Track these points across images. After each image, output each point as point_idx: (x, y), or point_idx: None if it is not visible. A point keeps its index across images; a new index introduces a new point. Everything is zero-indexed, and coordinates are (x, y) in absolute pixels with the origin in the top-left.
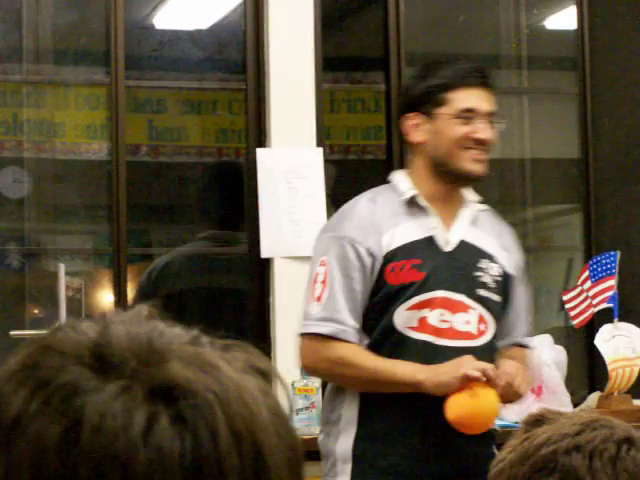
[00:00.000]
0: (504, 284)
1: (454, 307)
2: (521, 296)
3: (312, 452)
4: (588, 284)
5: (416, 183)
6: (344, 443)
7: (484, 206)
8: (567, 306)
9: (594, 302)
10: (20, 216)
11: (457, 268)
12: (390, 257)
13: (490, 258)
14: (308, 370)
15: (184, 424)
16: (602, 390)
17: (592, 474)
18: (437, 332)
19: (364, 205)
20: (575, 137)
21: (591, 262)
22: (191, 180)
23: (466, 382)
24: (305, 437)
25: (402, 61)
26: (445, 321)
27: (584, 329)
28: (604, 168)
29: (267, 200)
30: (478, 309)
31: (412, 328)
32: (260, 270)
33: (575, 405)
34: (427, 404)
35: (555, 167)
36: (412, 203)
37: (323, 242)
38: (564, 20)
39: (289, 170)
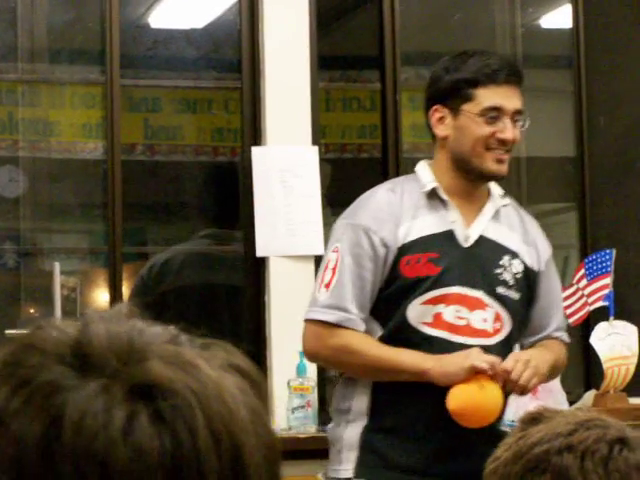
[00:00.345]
0: (526, 281)
1: (471, 304)
2: (550, 290)
3: (309, 450)
4: (584, 282)
5: (438, 176)
6: (352, 431)
7: (507, 200)
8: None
9: (590, 300)
10: (15, 215)
11: (476, 264)
12: (406, 249)
13: (512, 254)
14: (310, 356)
15: (163, 423)
16: (598, 388)
17: (584, 474)
18: (452, 329)
19: (383, 194)
20: (571, 135)
21: (587, 260)
22: (187, 179)
23: (472, 374)
24: (301, 435)
25: (397, 60)
26: (461, 318)
27: (580, 327)
28: (599, 166)
29: (262, 199)
30: (495, 307)
31: (426, 324)
32: (256, 269)
33: (571, 403)
34: (440, 401)
35: (551, 165)
36: (433, 196)
37: (338, 229)
38: (559, 19)
39: (284, 169)
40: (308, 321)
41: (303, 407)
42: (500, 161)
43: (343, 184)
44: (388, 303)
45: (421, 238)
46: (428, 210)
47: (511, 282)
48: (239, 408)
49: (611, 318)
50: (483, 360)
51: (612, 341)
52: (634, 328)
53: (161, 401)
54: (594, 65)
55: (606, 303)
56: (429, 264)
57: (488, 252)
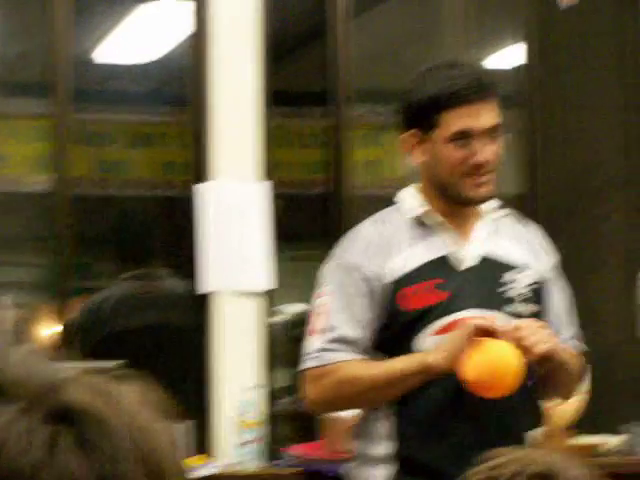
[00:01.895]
0: (538, 292)
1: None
2: (560, 298)
3: None
4: None
5: (427, 198)
6: (381, 472)
7: (505, 211)
8: None
9: None
10: None
11: (480, 285)
12: (403, 281)
13: (518, 268)
14: (315, 405)
15: (87, 446)
16: (544, 426)
17: None
18: None
19: (368, 229)
20: (521, 173)
21: None
22: (137, 213)
23: (476, 342)
24: (249, 471)
25: (348, 96)
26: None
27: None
28: (549, 204)
29: (212, 234)
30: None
31: None
32: (204, 304)
33: None
34: (472, 432)
35: (503, 203)
36: (422, 221)
37: (326, 272)
38: (508, 57)
39: (234, 204)
40: (303, 371)
41: (250, 443)
42: (479, 185)
43: (293, 219)
44: (394, 342)
45: (421, 266)
46: (421, 237)
47: (523, 297)
48: (159, 435)
49: None
50: (474, 323)
51: None
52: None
53: (83, 425)
54: (545, 103)
55: None
56: (436, 291)
57: (489, 271)
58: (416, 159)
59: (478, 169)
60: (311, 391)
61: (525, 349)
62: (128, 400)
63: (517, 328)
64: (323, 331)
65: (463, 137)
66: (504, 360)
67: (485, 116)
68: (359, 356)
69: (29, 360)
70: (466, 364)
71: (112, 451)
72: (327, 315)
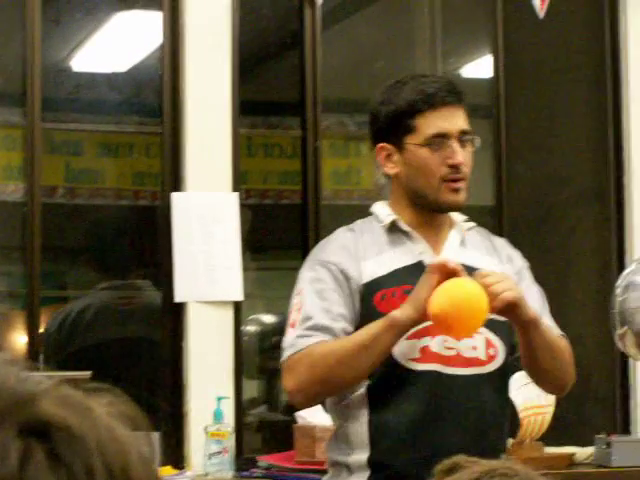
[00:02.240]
0: None
1: None
2: (534, 298)
3: None
4: None
5: (397, 211)
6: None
7: (471, 224)
8: None
9: None
10: None
11: None
12: (378, 285)
13: None
14: (296, 395)
15: (60, 461)
16: (514, 437)
17: None
18: (443, 360)
19: (341, 234)
20: (489, 185)
21: None
22: (107, 223)
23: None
24: None
25: (318, 107)
26: (450, 348)
27: None
28: (517, 216)
29: (182, 244)
30: (484, 333)
31: (415, 360)
32: (174, 315)
33: None
34: (445, 445)
35: (469, 214)
36: (395, 230)
37: (300, 275)
38: (480, 69)
39: (204, 215)
40: (281, 366)
41: (220, 453)
42: (456, 191)
43: (263, 230)
44: None
45: (393, 271)
46: (393, 245)
47: None
48: (131, 449)
49: None
50: (437, 262)
51: (528, 391)
52: None
53: (56, 439)
54: (513, 115)
55: None
56: (405, 296)
57: None
58: (388, 171)
59: (455, 171)
60: (289, 381)
61: (491, 295)
62: (101, 414)
63: (482, 275)
64: (299, 322)
65: (439, 140)
66: (470, 295)
67: (457, 119)
68: (333, 335)
69: (2, 370)
70: (432, 300)
71: (85, 467)
72: (303, 309)
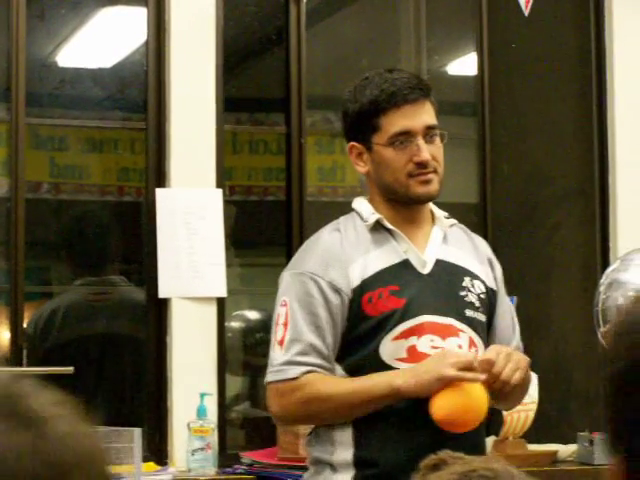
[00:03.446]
0: (488, 301)
1: (443, 332)
2: (506, 310)
3: None
4: None
5: (376, 207)
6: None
7: (452, 221)
8: None
9: None
10: None
11: (440, 290)
12: (365, 287)
13: (471, 275)
14: (280, 418)
15: (38, 450)
16: (497, 435)
17: None
18: None
19: (327, 236)
20: (474, 182)
21: None
22: (91, 218)
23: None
24: (201, 478)
25: (303, 103)
26: (437, 347)
27: None
28: (502, 214)
29: (166, 240)
30: (468, 332)
31: (401, 360)
32: (158, 311)
33: None
34: (428, 441)
35: (453, 211)
36: (379, 228)
37: (284, 281)
38: (465, 66)
39: (188, 211)
40: (268, 384)
41: (203, 449)
42: (425, 182)
43: (248, 226)
44: (358, 345)
45: (378, 272)
46: (378, 243)
47: (477, 304)
48: (94, 441)
49: None
50: (455, 363)
51: None
52: (533, 376)
53: (38, 430)
54: (498, 113)
55: None
56: (392, 297)
57: (448, 275)
58: (361, 170)
59: (422, 167)
60: (276, 405)
61: (503, 382)
62: (64, 408)
63: (489, 362)
64: (288, 342)
65: (403, 138)
66: (474, 404)
67: (422, 115)
68: (325, 366)
69: None
70: (437, 401)
71: (63, 460)
72: (291, 326)
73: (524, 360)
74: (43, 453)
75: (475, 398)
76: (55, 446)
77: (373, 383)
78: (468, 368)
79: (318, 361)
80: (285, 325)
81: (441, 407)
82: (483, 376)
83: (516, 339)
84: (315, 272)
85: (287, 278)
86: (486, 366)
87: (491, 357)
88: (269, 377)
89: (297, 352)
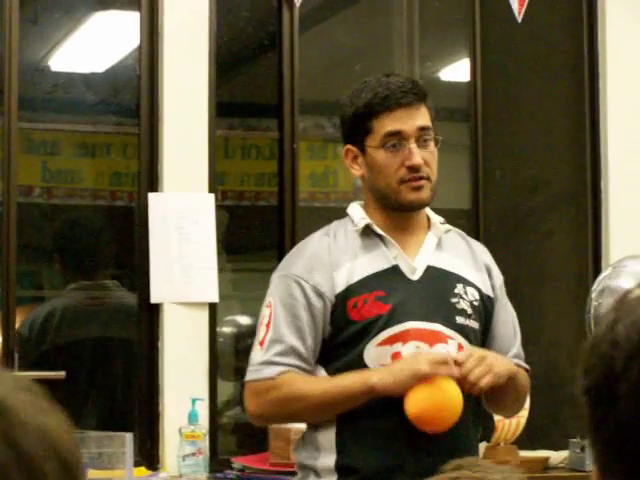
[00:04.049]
0: (483, 309)
1: (430, 338)
2: (506, 318)
3: None
4: None
5: (369, 214)
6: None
7: (448, 226)
8: None
9: None
10: None
11: (429, 296)
12: (350, 292)
13: (464, 282)
14: (257, 418)
15: (8, 441)
16: (489, 441)
17: None
18: None
19: (316, 241)
20: (466, 188)
21: None
22: (84, 223)
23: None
24: None
25: (296, 109)
26: None
27: None
28: (494, 220)
29: (158, 245)
30: (457, 338)
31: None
32: (150, 316)
33: None
34: (412, 444)
35: (445, 218)
36: (369, 233)
37: (272, 282)
38: (458, 72)
39: (181, 215)
40: (246, 383)
41: (194, 454)
42: (417, 189)
43: (240, 231)
44: (343, 350)
45: (365, 278)
46: (367, 249)
47: (469, 311)
48: (70, 437)
49: None
50: (431, 360)
51: None
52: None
53: (6, 420)
54: (491, 119)
55: None
56: (377, 303)
57: (439, 282)
58: (356, 173)
59: (413, 172)
60: (253, 404)
61: (468, 383)
62: (44, 402)
63: (457, 363)
64: (268, 343)
65: (394, 140)
66: (448, 401)
67: (414, 118)
68: (304, 367)
69: None
70: (411, 398)
71: (31, 447)
72: (273, 327)
73: (502, 366)
74: (12, 441)
75: (449, 395)
76: (23, 433)
77: (348, 381)
78: (443, 365)
79: (297, 362)
80: (267, 326)
81: (415, 404)
82: (457, 370)
83: (516, 347)
84: (300, 275)
85: (275, 280)
86: (456, 366)
87: (460, 358)
88: (247, 376)
89: (276, 353)
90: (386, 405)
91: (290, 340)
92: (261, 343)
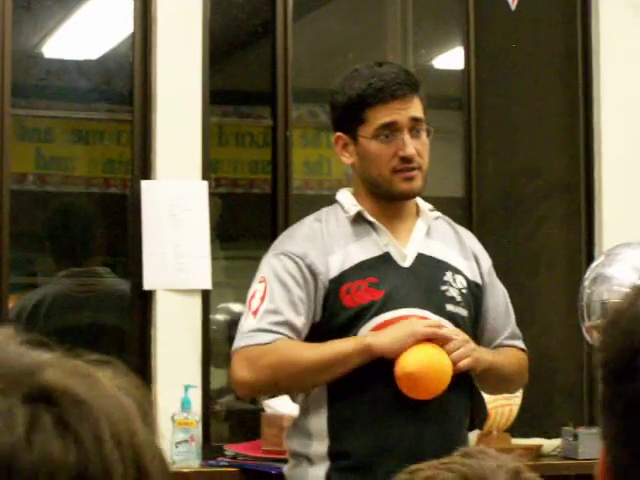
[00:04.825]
0: (471, 296)
1: None
2: (497, 302)
3: None
4: None
5: (359, 201)
6: (316, 472)
7: (436, 213)
8: None
9: None
10: None
11: (419, 284)
12: (343, 278)
13: (453, 270)
14: (246, 386)
15: (67, 427)
16: (481, 429)
17: None
18: None
19: (309, 224)
20: (459, 177)
21: None
22: (77, 210)
23: (416, 341)
24: (185, 470)
25: (289, 96)
26: None
27: None
28: (487, 208)
29: (151, 232)
30: (448, 326)
31: None
32: (142, 303)
33: None
34: (405, 432)
35: (438, 206)
36: (360, 220)
37: (264, 263)
38: (452, 60)
39: (174, 203)
40: (235, 352)
41: (187, 442)
42: (409, 179)
43: (233, 218)
44: (336, 335)
45: (358, 264)
46: (358, 236)
47: (458, 298)
48: (136, 418)
49: None
50: (428, 324)
51: None
52: None
53: (62, 405)
54: (484, 107)
55: None
56: (370, 289)
57: (429, 270)
58: (346, 161)
59: (406, 162)
60: (244, 371)
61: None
62: (106, 383)
63: (445, 339)
64: (263, 312)
65: (388, 131)
66: (441, 363)
67: (408, 109)
68: (296, 340)
69: (4, 344)
70: (405, 357)
71: (93, 433)
72: (268, 299)
73: (484, 354)
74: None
75: (442, 359)
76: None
77: (345, 343)
78: (438, 328)
79: (291, 334)
80: (262, 299)
81: (409, 362)
82: (453, 335)
83: (511, 326)
84: (295, 253)
85: (268, 258)
86: (443, 341)
87: (448, 334)
88: (238, 343)
89: (271, 322)
90: (378, 390)
91: (287, 313)
92: (254, 313)
